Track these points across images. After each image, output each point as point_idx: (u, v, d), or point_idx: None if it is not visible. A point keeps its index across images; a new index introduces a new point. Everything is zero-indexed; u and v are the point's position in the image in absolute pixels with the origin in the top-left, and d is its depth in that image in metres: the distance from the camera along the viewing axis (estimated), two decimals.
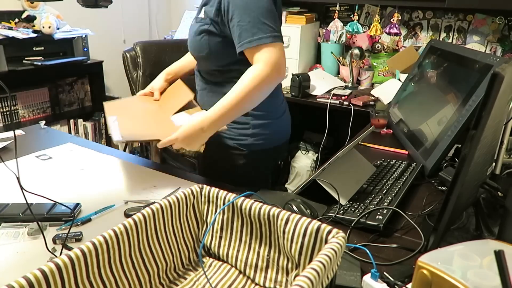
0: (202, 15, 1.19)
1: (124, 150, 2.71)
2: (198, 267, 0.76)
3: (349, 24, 2.52)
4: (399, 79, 2.33)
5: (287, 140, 1.40)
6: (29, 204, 0.81)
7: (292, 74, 2.36)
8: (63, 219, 0.89)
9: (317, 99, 2.30)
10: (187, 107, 1.29)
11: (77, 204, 0.94)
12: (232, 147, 1.27)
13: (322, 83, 2.44)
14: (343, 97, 2.26)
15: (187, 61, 1.49)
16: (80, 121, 2.91)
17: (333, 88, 2.40)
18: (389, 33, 2.43)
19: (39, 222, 0.80)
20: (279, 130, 1.34)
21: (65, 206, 0.90)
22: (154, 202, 0.71)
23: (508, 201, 0.79)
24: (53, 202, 0.89)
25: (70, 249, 0.77)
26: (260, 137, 1.27)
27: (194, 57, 1.30)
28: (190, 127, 1.09)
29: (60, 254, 0.76)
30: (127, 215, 0.93)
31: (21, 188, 0.70)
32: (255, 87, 1.07)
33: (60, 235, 0.83)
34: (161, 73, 1.48)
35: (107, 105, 1.31)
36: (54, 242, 0.82)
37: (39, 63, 2.38)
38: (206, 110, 1.15)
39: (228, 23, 1.11)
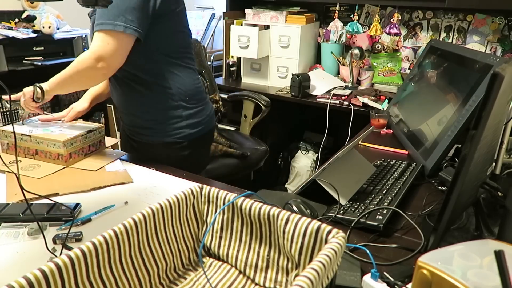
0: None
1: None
2: (198, 267, 0.76)
3: (349, 24, 2.52)
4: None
5: (214, 124, 1.49)
6: (29, 204, 0.82)
7: (292, 74, 2.36)
8: (63, 219, 0.89)
9: (317, 99, 2.30)
10: None
11: (77, 204, 0.94)
12: (173, 143, 1.33)
13: (322, 83, 2.44)
14: (343, 97, 2.27)
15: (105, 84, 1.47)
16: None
17: (333, 88, 2.40)
18: (389, 33, 2.43)
19: (39, 222, 0.80)
20: (209, 114, 1.43)
21: (65, 206, 0.90)
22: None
23: (508, 201, 0.79)
24: (53, 202, 0.89)
25: (70, 249, 0.77)
26: (194, 126, 1.35)
27: None
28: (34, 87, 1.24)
29: (60, 254, 0.77)
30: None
31: (21, 188, 0.70)
32: (75, 70, 1.18)
33: (60, 235, 0.83)
34: (85, 94, 1.45)
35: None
36: (54, 242, 0.82)
37: (39, 63, 2.38)
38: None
39: None
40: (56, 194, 1.01)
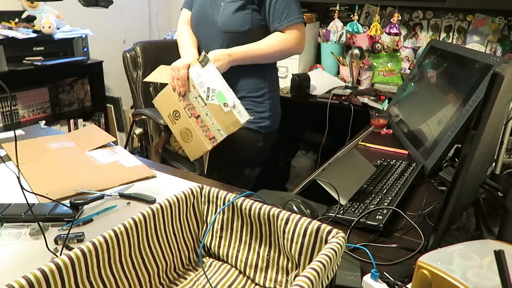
0: None
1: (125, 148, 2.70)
2: (198, 267, 0.76)
3: (349, 24, 2.52)
4: None
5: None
6: (31, 204, 0.82)
7: (292, 74, 2.36)
8: (64, 219, 0.89)
9: (317, 99, 2.30)
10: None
11: (79, 204, 0.94)
12: (254, 130, 1.48)
13: (322, 83, 2.44)
14: (343, 97, 2.26)
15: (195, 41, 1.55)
16: (80, 121, 2.92)
17: (333, 88, 2.40)
18: (389, 33, 2.43)
19: (39, 223, 0.80)
20: (279, 109, 1.61)
21: (66, 206, 0.90)
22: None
23: (508, 201, 0.79)
24: (55, 202, 0.89)
25: (71, 249, 0.77)
26: (274, 120, 1.54)
27: (227, 36, 1.42)
28: (220, 51, 1.37)
29: (60, 255, 0.77)
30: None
31: (22, 188, 0.70)
32: (281, 48, 1.40)
33: (62, 235, 0.83)
34: (188, 50, 1.48)
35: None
36: (56, 242, 0.82)
37: (39, 63, 2.38)
38: (240, 94, 1.44)
39: (266, 1, 1.36)
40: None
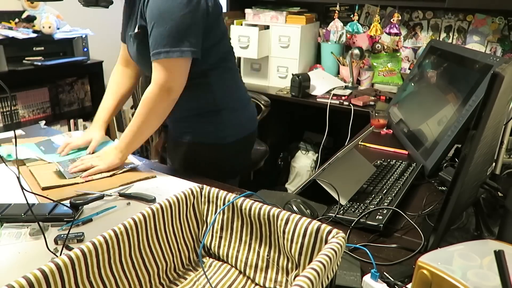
0: (136, 29, 1.16)
1: None
2: (198, 267, 0.76)
3: (349, 24, 2.52)
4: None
5: (256, 129, 1.44)
6: (31, 204, 0.81)
7: (292, 74, 2.36)
8: (64, 219, 0.89)
9: (317, 99, 2.30)
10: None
11: (79, 204, 0.94)
12: (207, 144, 1.30)
13: (322, 83, 2.44)
14: (343, 97, 2.27)
15: (115, 100, 1.39)
16: (80, 121, 2.91)
17: (333, 88, 2.40)
18: (389, 33, 2.43)
19: (40, 223, 0.80)
20: (249, 118, 1.40)
21: (66, 206, 0.90)
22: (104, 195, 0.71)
23: (508, 201, 0.79)
24: (55, 202, 0.89)
25: (71, 249, 0.77)
26: (232, 129, 1.31)
27: (143, 70, 1.28)
28: (108, 147, 1.22)
29: (60, 255, 0.77)
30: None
31: (22, 188, 0.70)
32: (149, 110, 1.14)
33: (62, 235, 0.83)
34: (95, 123, 1.36)
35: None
36: (56, 242, 0.82)
37: (39, 63, 2.38)
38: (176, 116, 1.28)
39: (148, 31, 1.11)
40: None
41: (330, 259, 0.54)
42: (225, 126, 1.29)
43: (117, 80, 1.42)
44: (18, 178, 0.70)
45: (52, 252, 0.77)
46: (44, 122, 1.57)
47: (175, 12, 1.06)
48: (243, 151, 1.42)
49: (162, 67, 1.10)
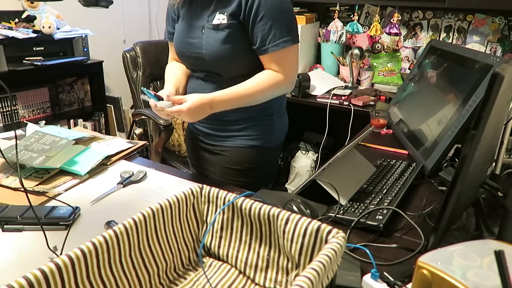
0: (220, 21, 1.13)
1: None
2: (198, 267, 0.76)
3: (349, 24, 2.52)
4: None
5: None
6: (27, 207, 0.81)
7: None
8: (60, 223, 0.88)
9: (317, 99, 2.30)
10: None
11: (76, 207, 0.93)
12: (259, 147, 1.29)
13: (322, 83, 2.44)
14: (343, 97, 2.27)
15: (182, 76, 1.34)
16: (80, 121, 2.92)
17: (333, 88, 2.40)
18: (389, 33, 2.43)
19: (41, 223, 0.80)
20: (287, 122, 1.42)
21: (67, 205, 0.90)
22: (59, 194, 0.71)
23: (508, 201, 0.79)
24: (53, 200, 0.89)
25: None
26: (279, 133, 1.35)
27: (215, 65, 1.20)
28: (199, 100, 1.08)
29: (61, 254, 0.77)
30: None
31: (23, 188, 0.70)
32: (269, 91, 1.16)
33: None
34: (170, 81, 1.29)
35: None
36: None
37: (39, 63, 2.38)
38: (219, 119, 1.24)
39: (251, 23, 1.12)
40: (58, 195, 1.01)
41: (330, 259, 0.54)
42: (275, 131, 1.33)
43: (175, 64, 1.38)
44: (19, 178, 0.70)
45: (52, 251, 0.77)
46: (44, 122, 1.57)
47: (287, 5, 1.14)
48: (279, 153, 1.46)
49: (287, 56, 1.15)
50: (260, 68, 1.18)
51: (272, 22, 1.10)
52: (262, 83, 1.15)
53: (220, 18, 1.14)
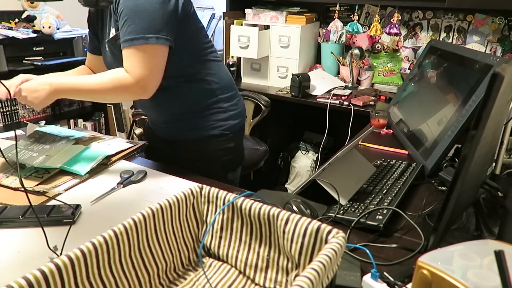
0: (112, 34, 1.15)
1: None
2: (198, 267, 0.76)
3: (349, 24, 2.52)
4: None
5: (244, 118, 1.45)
6: (28, 207, 0.81)
7: (292, 74, 2.36)
8: (64, 221, 0.88)
9: (317, 99, 2.30)
10: None
11: (78, 205, 0.93)
12: (218, 135, 1.30)
13: (322, 83, 2.44)
14: (343, 97, 2.27)
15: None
16: (80, 121, 2.92)
17: (333, 88, 2.40)
18: (389, 33, 2.43)
19: (41, 223, 0.80)
20: (242, 105, 1.41)
21: (67, 205, 0.90)
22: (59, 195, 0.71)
23: (508, 201, 0.79)
24: (53, 200, 0.89)
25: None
26: (236, 116, 1.33)
27: None
28: (38, 80, 1.08)
29: (61, 254, 0.77)
30: None
31: (23, 188, 0.70)
32: (114, 90, 1.08)
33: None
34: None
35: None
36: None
37: (39, 63, 2.38)
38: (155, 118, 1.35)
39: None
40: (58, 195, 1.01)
41: (330, 259, 0.54)
42: (229, 116, 1.31)
43: (80, 67, 1.47)
44: (20, 178, 0.70)
45: (52, 251, 0.77)
46: (44, 122, 1.57)
47: (147, 5, 1.05)
48: (241, 140, 1.42)
49: (137, 56, 1.05)
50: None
51: (127, 18, 1.05)
52: (105, 81, 1.08)
53: (112, 32, 1.15)
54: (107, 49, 1.21)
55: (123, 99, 1.16)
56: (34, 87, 1.06)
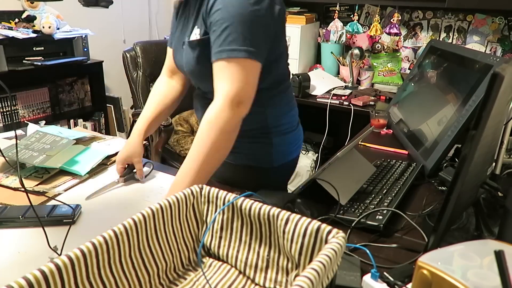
0: (196, 36, 1.02)
1: None
2: (198, 267, 0.76)
3: (349, 24, 2.52)
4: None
5: (300, 150, 1.34)
6: (28, 207, 0.81)
7: (292, 74, 2.36)
8: (64, 221, 0.88)
9: (317, 99, 2.30)
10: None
11: (77, 205, 0.93)
12: (253, 167, 1.18)
13: (322, 83, 2.44)
14: (343, 97, 2.27)
15: (156, 109, 1.22)
16: (80, 121, 2.92)
17: (333, 88, 2.40)
18: (389, 33, 2.43)
19: (43, 225, 0.80)
20: (296, 141, 1.28)
21: (67, 205, 0.90)
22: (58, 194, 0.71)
23: (508, 201, 0.79)
24: (53, 200, 0.89)
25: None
26: (281, 153, 1.20)
27: (199, 84, 1.14)
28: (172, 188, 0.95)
29: (60, 254, 0.77)
30: None
31: (23, 187, 0.70)
32: (218, 131, 0.92)
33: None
34: (133, 134, 1.17)
35: None
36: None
37: (39, 63, 2.38)
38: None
39: (210, 32, 0.98)
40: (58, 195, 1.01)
41: (330, 259, 0.54)
42: (274, 150, 1.17)
43: (160, 89, 1.24)
44: (20, 177, 0.70)
45: (53, 250, 0.77)
46: (44, 122, 1.57)
47: (252, 16, 0.93)
48: (285, 175, 1.31)
49: (229, 70, 0.93)
50: None
51: (228, 25, 0.92)
52: (205, 132, 0.93)
53: (196, 33, 1.03)
54: (183, 47, 1.09)
55: (232, 132, 0.96)
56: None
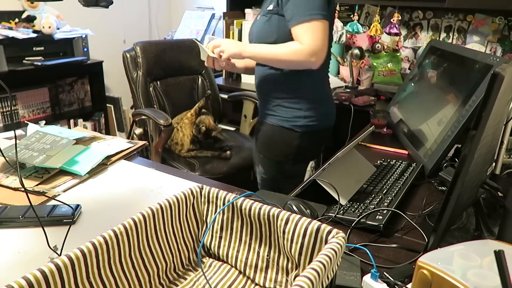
0: (271, 7, 1.36)
1: None
2: (198, 267, 0.76)
3: (349, 24, 2.51)
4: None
5: (332, 124, 1.58)
6: (28, 207, 0.81)
7: None
8: (64, 221, 0.88)
9: None
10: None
11: (78, 205, 0.93)
12: (287, 129, 1.46)
13: None
14: (343, 97, 2.26)
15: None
16: (80, 121, 2.92)
17: (333, 88, 2.40)
18: (389, 33, 2.43)
19: (42, 225, 0.80)
20: (327, 113, 1.53)
21: (67, 205, 0.90)
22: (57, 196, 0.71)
23: (508, 201, 0.79)
24: (53, 200, 0.89)
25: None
26: (311, 119, 1.45)
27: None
28: (241, 43, 1.38)
29: (60, 254, 0.76)
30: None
31: (23, 187, 0.70)
32: (291, 60, 1.30)
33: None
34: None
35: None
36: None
37: (39, 63, 2.38)
38: (265, 98, 1.51)
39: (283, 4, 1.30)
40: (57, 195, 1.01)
41: (330, 259, 0.54)
42: (305, 116, 1.44)
43: None
44: (20, 177, 0.70)
45: (53, 250, 0.77)
46: (44, 122, 1.57)
47: None
48: (315, 143, 1.55)
49: (314, 29, 1.25)
50: None
51: (296, 1, 1.27)
52: (283, 52, 1.29)
53: (273, 4, 1.36)
54: (258, 17, 1.45)
55: (296, 65, 1.32)
56: (236, 43, 1.37)
